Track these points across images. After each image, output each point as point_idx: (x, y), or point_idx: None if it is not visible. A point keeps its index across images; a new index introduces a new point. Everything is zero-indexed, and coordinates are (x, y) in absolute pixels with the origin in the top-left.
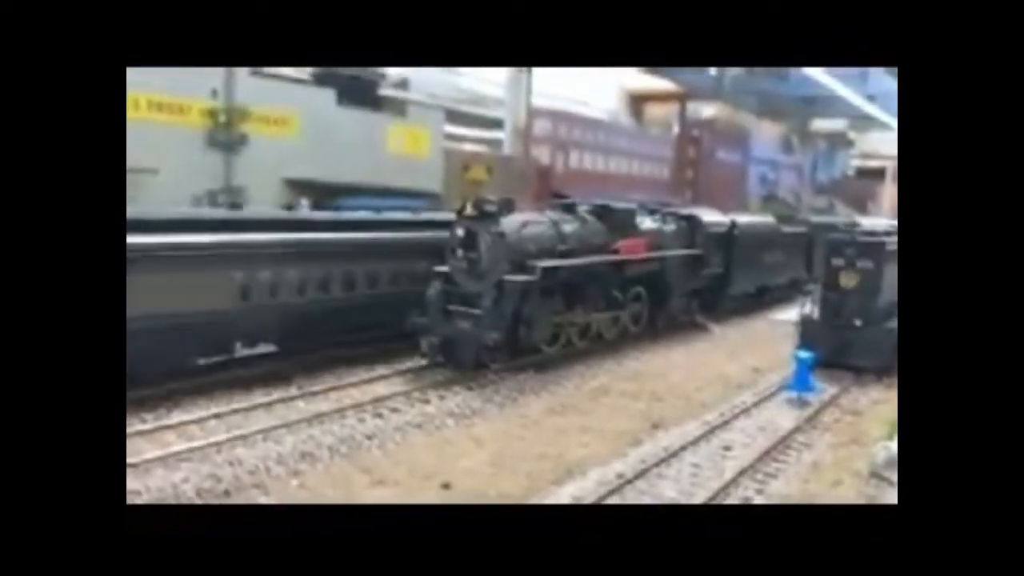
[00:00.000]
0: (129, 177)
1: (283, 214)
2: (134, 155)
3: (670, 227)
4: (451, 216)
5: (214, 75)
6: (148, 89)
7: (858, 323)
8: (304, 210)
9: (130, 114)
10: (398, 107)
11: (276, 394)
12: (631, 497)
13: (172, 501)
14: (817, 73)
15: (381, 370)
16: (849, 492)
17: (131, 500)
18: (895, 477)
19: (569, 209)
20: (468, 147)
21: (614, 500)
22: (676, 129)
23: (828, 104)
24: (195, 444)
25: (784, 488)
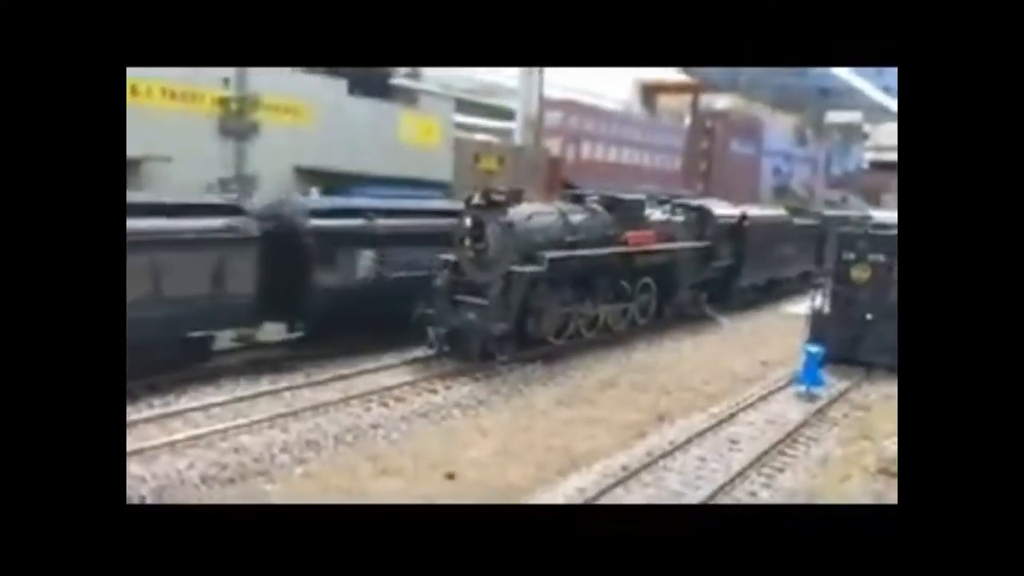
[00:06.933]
0: (144, 165)
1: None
2: (148, 143)
3: (680, 218)
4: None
5: None
6: (161, 77)
7: (869, 317)
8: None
9: (144, 102)
10: (409, 97)
11: (283, 382)
12: (636, 489)
13: (177, 487)
14: None
15: (388, 360)
16: (857, 487)
17: (135, 487)
18: None
19: (578, 200)
20: (479, 137)
21: (619, 492)
22: (689, 120)
23: (844, 96)
24: (200, 431)
25: (791, 482)
